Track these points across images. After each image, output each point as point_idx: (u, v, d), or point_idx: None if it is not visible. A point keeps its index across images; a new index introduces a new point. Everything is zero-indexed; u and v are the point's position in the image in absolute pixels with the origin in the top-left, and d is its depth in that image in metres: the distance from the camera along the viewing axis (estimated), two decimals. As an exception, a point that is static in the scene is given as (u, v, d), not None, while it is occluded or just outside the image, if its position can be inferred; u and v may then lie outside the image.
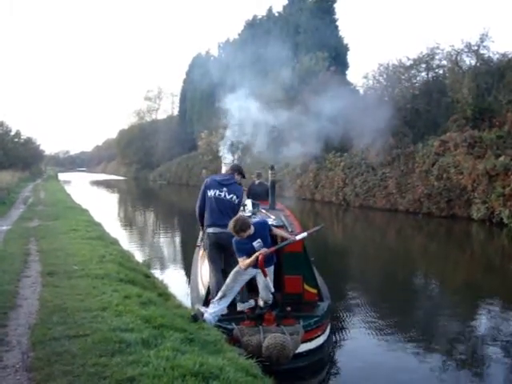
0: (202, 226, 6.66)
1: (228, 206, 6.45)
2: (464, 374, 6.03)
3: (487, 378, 5.92)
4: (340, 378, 5.97)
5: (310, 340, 5.79)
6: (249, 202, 8.61)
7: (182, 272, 11.85)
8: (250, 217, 7.08)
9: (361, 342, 7.10)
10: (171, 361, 3.91)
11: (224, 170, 8.07)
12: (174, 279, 10.39)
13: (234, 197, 6.53)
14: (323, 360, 6.05)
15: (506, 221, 17.44)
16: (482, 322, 8.01)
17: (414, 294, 10.20)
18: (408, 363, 6.39)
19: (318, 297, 6.63)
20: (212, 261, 6.46)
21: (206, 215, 6.49)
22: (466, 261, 13.79)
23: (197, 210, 6.65)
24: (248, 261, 5.63)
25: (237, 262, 5.85)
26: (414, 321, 8.42)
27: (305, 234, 6.26)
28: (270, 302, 5.96)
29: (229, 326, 5.69)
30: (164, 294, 7.20)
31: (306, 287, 6.57)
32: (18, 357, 4.03)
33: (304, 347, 5.64)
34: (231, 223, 5.80)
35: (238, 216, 6.08)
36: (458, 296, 9.95)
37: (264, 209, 8.35)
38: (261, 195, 9.46)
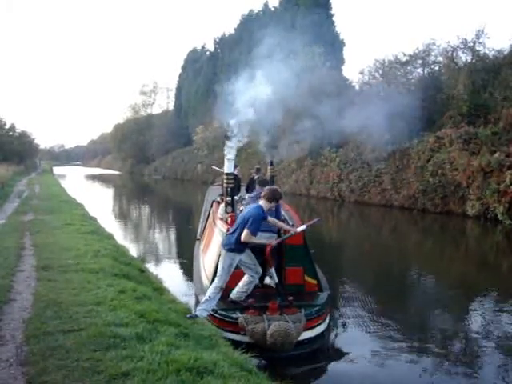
0: None
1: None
2: (457, 367, 6.05)
3: (481, 373, 5.93)
4: (339, 365, 6.08)
5: (311, 328, 6.02)
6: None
7: (177, 266, 11.85)
8: None
9: (358, 330, 7.24)
10: (166, 355, 3.92)
11: (226, 165, 7.82)
12: (168, 274, 10.37)
13: None
14: (323, 347, 6.27)
15: (500, 217, 17.49)
16: (477, 317, 8.03)
17: (408, 287, 10.31)
18: (403, 351, 6.47)
19: (318, 287, 6.88)
20: None
21: None
22: (461, 256, 13.84)
23: None
24: (254, 239, 5.85)
25: None
26: (409, 311, 8.56)
27: (304, 227, 6.53)
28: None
29: (234, 315, 5.91)
30: (159, 289, 7.22)
31: (307, 278, 6.81)
32: (12, 351, 4.03)
33: (305, 335, 5.88)
34: (269, 190, 6.12)
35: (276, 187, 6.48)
36: (452, 290, 9.99)
37: None
38: None
